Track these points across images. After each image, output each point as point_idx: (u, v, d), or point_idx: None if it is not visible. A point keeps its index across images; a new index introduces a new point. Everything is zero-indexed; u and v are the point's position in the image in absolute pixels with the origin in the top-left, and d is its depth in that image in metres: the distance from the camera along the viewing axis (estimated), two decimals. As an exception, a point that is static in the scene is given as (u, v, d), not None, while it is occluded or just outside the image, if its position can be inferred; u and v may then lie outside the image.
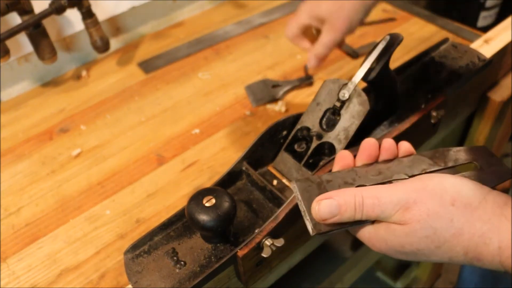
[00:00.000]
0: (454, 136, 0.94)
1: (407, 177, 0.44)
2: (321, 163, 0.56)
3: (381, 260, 1.38)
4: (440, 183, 0.38)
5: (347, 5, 0.61)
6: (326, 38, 0.64)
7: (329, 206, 0.39)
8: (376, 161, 0.47)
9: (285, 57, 0.89)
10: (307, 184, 0.44)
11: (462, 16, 1.31)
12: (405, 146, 0.48)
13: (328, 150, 0.59)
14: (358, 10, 0.61)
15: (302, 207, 0.43)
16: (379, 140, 0.48)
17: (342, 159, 0.48)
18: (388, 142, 0.47)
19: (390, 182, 0.44)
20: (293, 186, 0.44)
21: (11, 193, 0.69)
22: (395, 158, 0.47)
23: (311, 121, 0.59)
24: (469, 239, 0.36)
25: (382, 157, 0.47)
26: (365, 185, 0.44)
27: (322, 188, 0.44)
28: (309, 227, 0.41)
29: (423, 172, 0.45)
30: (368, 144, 0.47)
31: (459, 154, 0.47)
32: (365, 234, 0.42)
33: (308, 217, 0.42)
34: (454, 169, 0.46)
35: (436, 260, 0.39)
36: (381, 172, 0.45)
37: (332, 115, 0.58)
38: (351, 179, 0.45)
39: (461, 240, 0.36)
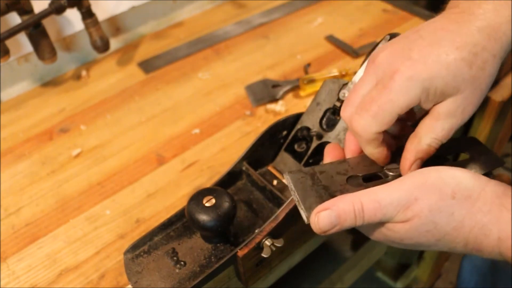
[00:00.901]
0: (454, 136, 0.94)
1: (398, 166, 0.44)
2: (321, 163, 0.56)
3: (381, 260, 1.38)
4: (439, 176, 0.38)
5: (488, 65, 0.39)
6: (447, 124, 0.41)
7: (328, 218, 0.39)
8: None
9: (285, 57, 0.89)
10: (300, 175, 0.44)
11: (462, 16, 1.31)
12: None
13: (328, 150, 0.59)
14: (495, 70, 0.40)
15: (296, 197, 0.42)
16: None
17: (333, 150, 0.47)
18: None
19: (383, 171, 0.45)
20: (286, 177, 0.44)
21: (11, 193, 0.69)
22: None
23: (311, 121, 0.59)
24: (470, 231, 0.36)
25: None
26: (358, 175, 0.44)
27: (315, 179, 0.44)
28: (304, 216, 0.41)
29: None
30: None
31: (448, 144, 0.48)
32: (363, 226, 0.41)
33: (302, 207, 0.42)
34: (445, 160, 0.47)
35: (435, 249, 0.39)
36: (373, 163, 0.45)
37: (332, 115, 0.58)
38: (343, 170, 0.45)
39: (462, 232, 0.37)
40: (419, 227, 0.37)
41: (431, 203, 0.37)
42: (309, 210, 0.41)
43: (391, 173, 0.44)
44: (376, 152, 0.43)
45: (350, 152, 0.47)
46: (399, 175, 0.43)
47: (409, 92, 0.38)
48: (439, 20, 0.41)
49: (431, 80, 0.38)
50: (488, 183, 0.38)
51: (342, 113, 0.43)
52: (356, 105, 0.41)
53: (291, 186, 0.44)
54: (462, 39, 0.38)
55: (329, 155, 0.47)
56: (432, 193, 0.37)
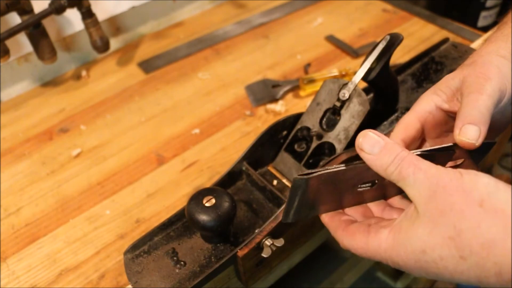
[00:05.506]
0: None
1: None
2: (321, 163, 0.56)
3: (381, 260, 1.38)
4: (472, 180, 0.33)
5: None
6: (475, 100, 0.41)
7: (373, 141, 0.36)
8: None
9: (285, 57, 0.89)
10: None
11: (462, 16, 1.32)
12: None
13: (328, 150, 0.59)
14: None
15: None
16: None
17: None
18: None
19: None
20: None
21: (11, 193, 0.69)
22: None
23: (311, 121, 0.59)
24: (503, 254, 0.30)
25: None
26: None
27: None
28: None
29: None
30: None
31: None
32: (382, 245, 0.36)
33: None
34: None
35: (460, 278, 0.32)
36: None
37: (332, 115, 0.58)
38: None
39: (493, 254, 0.30)
40: (442, 229, 0.32)
41: (454, 201, 0.32)
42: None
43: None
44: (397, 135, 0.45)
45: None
46: None
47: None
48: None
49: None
50: None
51: None
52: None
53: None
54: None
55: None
56: (459, 193, 0.32)
